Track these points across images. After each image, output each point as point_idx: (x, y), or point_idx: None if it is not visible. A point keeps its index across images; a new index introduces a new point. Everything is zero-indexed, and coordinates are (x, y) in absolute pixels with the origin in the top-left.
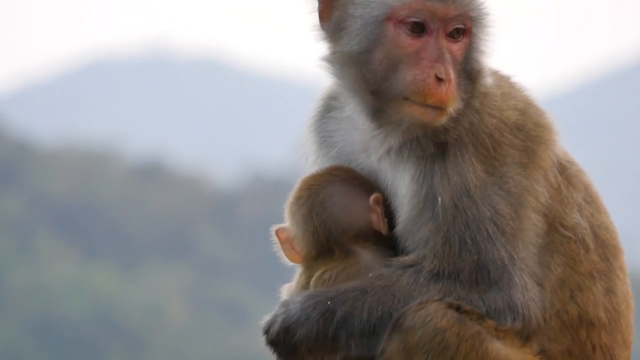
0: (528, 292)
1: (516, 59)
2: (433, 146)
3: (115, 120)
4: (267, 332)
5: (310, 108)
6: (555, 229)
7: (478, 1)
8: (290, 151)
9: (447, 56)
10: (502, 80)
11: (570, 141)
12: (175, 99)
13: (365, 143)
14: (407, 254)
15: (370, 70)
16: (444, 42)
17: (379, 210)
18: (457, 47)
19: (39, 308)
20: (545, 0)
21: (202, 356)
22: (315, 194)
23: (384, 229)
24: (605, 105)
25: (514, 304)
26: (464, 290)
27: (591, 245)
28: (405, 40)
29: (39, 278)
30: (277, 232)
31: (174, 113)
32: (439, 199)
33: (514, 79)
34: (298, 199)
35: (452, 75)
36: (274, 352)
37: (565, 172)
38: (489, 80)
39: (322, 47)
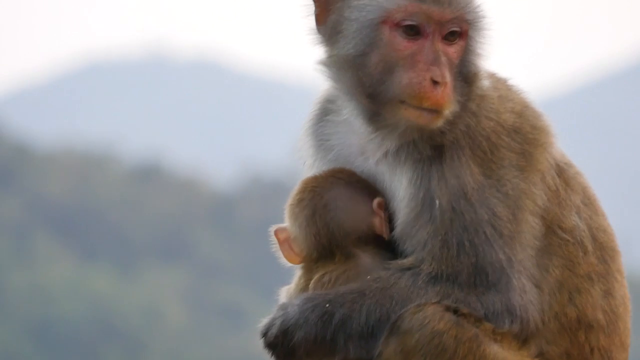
0: (526, 294)
1: (513, 61)
2: (430, 149)
3: (113, 122)
4: (265, 334)
5: (307, 111)
6: (553, 231)
7: (474, 4)
8: (288, 153)
9: (443, 59)
10: (499, 82)
11: (567, 143)
12: (173, 101)
13: (362, 146)
14: (405, 257)
15: (367, 74)
16: (440, 45)
17: (382, 214)
18: (453, 50)
19: (37, 310)
20: (542, 2)
21: (200, 358)
22: (319, 196)
23: (386, 233)
24: (602, 107)
25: (512, 307)
26: (462, 293)
27: (589, 248)
28: (401, 43)
29: (37, 280)
30: (276, 232)
31: (172, 115)
32: (437, 202)
33: (511, 82)
34: (300, 200)
35: (448, 78)
36: (272, 354)
37: (563, 174)
38: (485, 83)
39: (319, 51)
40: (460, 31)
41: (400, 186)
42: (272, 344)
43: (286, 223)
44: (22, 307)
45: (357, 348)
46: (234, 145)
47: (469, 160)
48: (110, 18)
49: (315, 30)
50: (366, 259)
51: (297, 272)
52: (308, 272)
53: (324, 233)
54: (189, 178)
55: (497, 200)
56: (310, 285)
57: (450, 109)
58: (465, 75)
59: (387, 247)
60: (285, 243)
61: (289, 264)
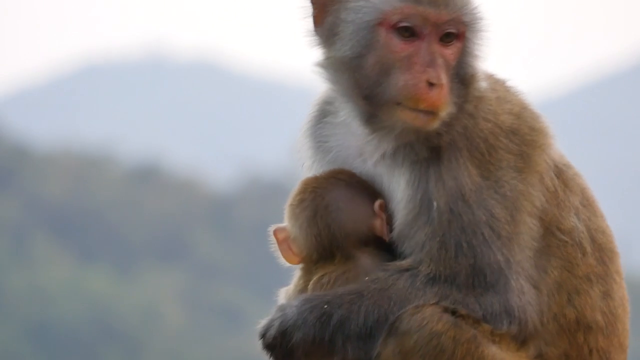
0: (524, 295)
1: (511, 62)
2: (427, 151)
3: (112, 123)
4: (263, 336)
5: (306, 112)
6: (552, 232)
7: (471, 6)
8: (287, 154)
9: (440, 61)
10: (498, 84)
11: (565, 144)
12: (172, 102)
13: (360, 148)
14: (404, 258)
15: (363, 75)
16: (437, 47)
17: (383, 216)
18: (450, 52)
19: (35, 311)
20: (539, 4)
21: (199, 359)
22: (320, 197)
23: (386, 235)
24: (600, 108)
25: (510, 308)
26: (460, 294)
27: (588, 249)
28: (397, 45)
29: (36, 281)
30: (275, 232)
31: (170, 116)
32: (435, 204)
33: (509, 83)
34: (302, 201)
35: (444, 79)
36: (270, 356)
37: (562, 175)
38: (483, 85)
39: (316, 53)
40: (457, 33)
41: (398, 188)
42: (271, 345)
43: (286, 223)
44: (21, 307)
45: (356, 349)
46: (233, 146)
47: (466, 162)
48: (109, 19)
49: (313, 32)
50: (366, 260)
51: (296, 273)
52: (307, 273)
53: (325, 234)
54: (187, 179)
55: (495, 202)
56: (309, 286)
57: (446, 110)
58: (462, 77)
59: (386, 248)
60: (284, 243)
61: (288, 264)
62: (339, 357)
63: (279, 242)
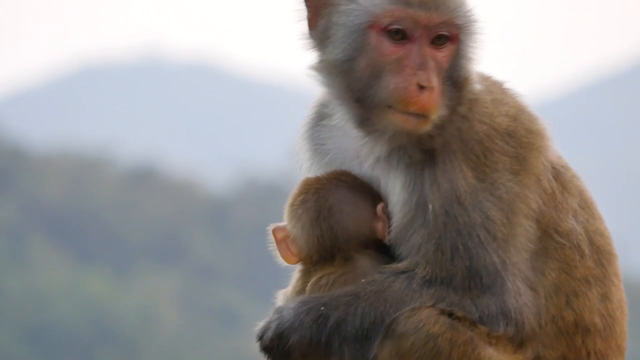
0: (521, 297)
1: (508, 64)
2: (421, 153)
3: (109, 125)
4: (261, 338)
5: (303, 114)
6: (550, 235)
7: (465, 8)
8: (284, 156)
9: (431, 63)
10: (494, 86)
11: (562, 146)
12: (168, 104)
13: (356, 150)
14: (400, 261)
15: (355, 78)
16: (428, 50)
17: (385, 219)
18: (442, 54)
19: (32, 313)
20: (537, 5)
21: None
22: (324, 199)
23: (387, 238)
24: (597, 110)
25: (507, 309)
26: (456, 296)
27: (586, 251)
28: (388, 48)
29: (33, 283)
30: (274, 231)
31: (167, 118)
32: (430, 206)
33: (506, 85)
34: (304, 201)
35: (435, 82)
36: (268, 358)
37: (560, 177)
38: (477, 87)
39: (310, 56)
40: (449, 35)
41: (393, 190)
42: (268, 348)
43: (286, 223)
44: (18, 309)
45: (352, 351)
46: (230, 148)
47: (461, 164)
48: (107, 21)
49: (307, 35)
50: (365, 262)
51: (295, 274)
52: (306, 275)
53: (328, 236)
54: (184, 181)
55: (491, 204)
56: (307, 287)
57: (438, 113)
58: (455, 79)
59: (385, 251)
60: (282, 242)
61: (285, 264)
62: (335, 359)
63: (278, 242)
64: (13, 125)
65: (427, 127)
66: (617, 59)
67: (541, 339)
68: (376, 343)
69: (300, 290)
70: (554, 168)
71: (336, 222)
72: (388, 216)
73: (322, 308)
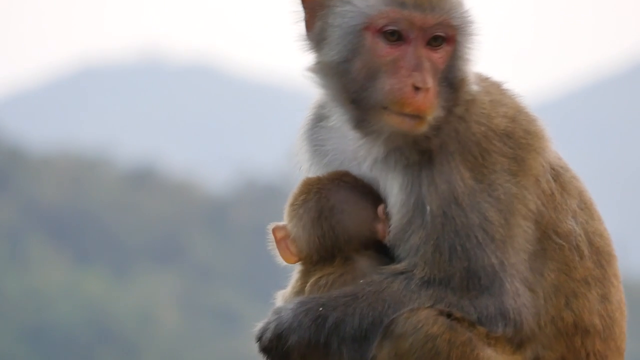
0: (520, 297)
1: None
2: (417, 154)
3: (108, 126)
4: (260, 339)
5: (302, 115)
6: (549, 236)
7: (461, 9)
8: (283, 157)
9: (426, 64)
10: (493, 87)
11: (560, 147)
12: (167, 105)
13: (354, 152)
14: (399, 262)
15: (350, 80)
16: (424, 51)
17: (386, 220)
18: (438, 56)
19: (31, 313)
20: (536, 6)
21: None
22: (326, 199)
23: (387, 239)
24: (596, 111)
25: (505, 310)
26: (455, 297)
27: (586, 252)
28: (384, 49)
29: (32, 283)
30: (274, 230)
31: (166, 119)
32: (427, 208)
33: (505, 86)
34: (306, 201)
35: (430, 83)
36: (267, 358)
37: (559, 178)
38: (474, 88)
39: (308, 57)
40: (445, 36)
41: (391, 192)
42: (267, 348)
43: (286, 223)
44: (17, 310)
45: (351, 351)
46: (229, 149)
47: (459, 165)
48: (104, 22)
49: (305, 37)
50: (364, 263)
51: (294, 275)
52: (305, 275)
53: (329, 236)
54: (183, 181)
55: (489, 205)
56: (306, 288)
57: (433, 114)
58: (452, 80)
59: (385, 252)
60: (282, 242)
61: (284, 263)
62: (334, 359)
63: (277, 241)
64: (12, 126)
65: (423, 128)
66: (616, 60)
67: (540, 340)
68: (375, 344)
69: (299, 291)
70: (553, 169)
71: (337, 223)
72: (388, 217)
73: (321, 309)
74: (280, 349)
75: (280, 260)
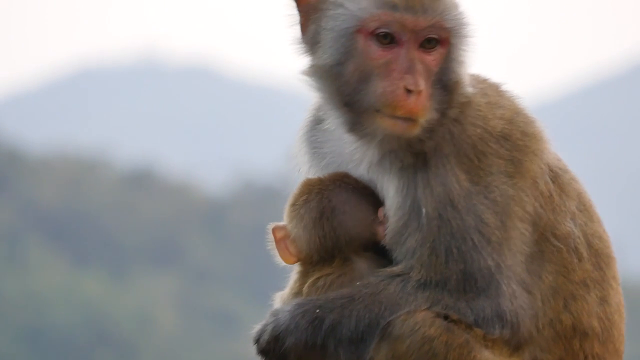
0: (516, 299)
1: (507, 65)
2: (412, 157)
3: (106, 127)
4: (257, 341)
5: (300, 117)
6: (547, 238)
7: (454, 11)
8: (281, 159)
9: (419, 67)
10: (490, 88)
11: (559, 148)
12: (166, 107)
13: (351, 154)
14: (396, 264)
15: (343, 83)
16: (416, 53)
17: (386, 222)
18: (432, 58)
19: (29, 315)
20: (536, 7)
21: None
22: (327, 200)
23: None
24: (594, 112)
25: (502, 312)
26: (451, 299)
27: (585, 254)
28: (376, 52)
29: (30, 285)
30: (273, 231)
31: (164, 120)
32: (423, 210)
33: (503, 87)
34: (307, 202)
35: (423, 86)
36: None
37: (558, 180)
38: (469, 90)
39: (303, 60)
40: (439, 39)
41: (387, 194)
42: (265, 350)
43: (286, 223)
44: (15, 312)
45: (348, 353)
46: (226, 151)
47: (454, 168)
48: (103, 24)
49: (299, 40)
50: (363, 264)
51: (293, 276)
52: (304, 276)
53: (330, 237)
54: (181, 183)
55: (485, 207)
56: (304, 289)
57: (426, 117)
58: (446, 82)
59: (384, 253)
60: (281, 242)
61: (283, 264)
62: None
63: (277, 241)
64: (10, 128)
65: (416, 131)
66: (616, 61)
67: (538, 342)
68: (372, 346)
69: (298, 292)
70: (551, 170)
71: (339, 223)
72: (387, 219)
73: (318, 311)
74: (278, 351)
75: (279, 260)
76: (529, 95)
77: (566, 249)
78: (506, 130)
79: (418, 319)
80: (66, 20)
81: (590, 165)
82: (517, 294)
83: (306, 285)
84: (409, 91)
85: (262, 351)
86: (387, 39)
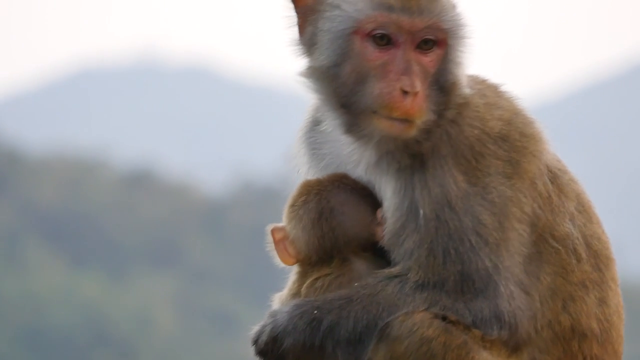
0: (514, 300)
1: (506, 66)
2: (409, 158)
3: (105, 128)
4: (255, 342)
5: (299, 118)
6: (545, 239)
7: (451, 12)
8: (280, 159)
9: (416, 68)
10: (489, 89)
11: (559, 149)
12: (165, 107)
13: (348, 155)
14: (394, 265)
15: (340, 84)
16: (413, 55)
17: (384, 223)
18: (428, 59)
19: (28, 316)
20: (535, 7)
21: None
22: (326, 200)
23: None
24: (594, 113)
25: (500, 313)
26: (449, 300)
27: (583, 255)
28: (372, 54)
29: (29, 286)
30: (272, 231)
31: (163, 121)
32: (421, 211)
33: (502, 88)
34: (306, 202)
35: (419, 87)
36: None
37: (557, 181)
38: (467, 91)
39: (300, 62)
40: (435, 40)
41: (385, 196)
42: (263, 351)
43: (285, 224)
44: (14, 313)
45: (346, 354)
46: (225, 151)
47: (452, 169)
48: (101, 24)
49: (297, 41)
50: (361, 265)
51: (291, 276)
52: (303, 277)
53: (329, 237)
54: (180, 184)
55: (483, 208)
56: (302, 289)
57: (422, 118)
58: (443, 84)
59: (382, 254)
60: (280, 243)
61: (282, 265)
62: None
63: (276, 242)
64: (10, 128)
65: (412, 132)
66: (615, 62)
67: (537, 343)
68: (370, 347)
69: (296, 293)
70: (550, 171)
71: (338, 224)
72: (385, 220)
73: (316, 312)
74: (276, 352)
75: (278, 261)
76: (529, 95)
77: (565, 250)
78: (504, 131)
79: (416, 320)
80: (66, 21)
81: (590, 166)
82: (515, 295)
83: (305, 285)
84: (405, 92)
85: (260, 352)
86: (384, 41)
